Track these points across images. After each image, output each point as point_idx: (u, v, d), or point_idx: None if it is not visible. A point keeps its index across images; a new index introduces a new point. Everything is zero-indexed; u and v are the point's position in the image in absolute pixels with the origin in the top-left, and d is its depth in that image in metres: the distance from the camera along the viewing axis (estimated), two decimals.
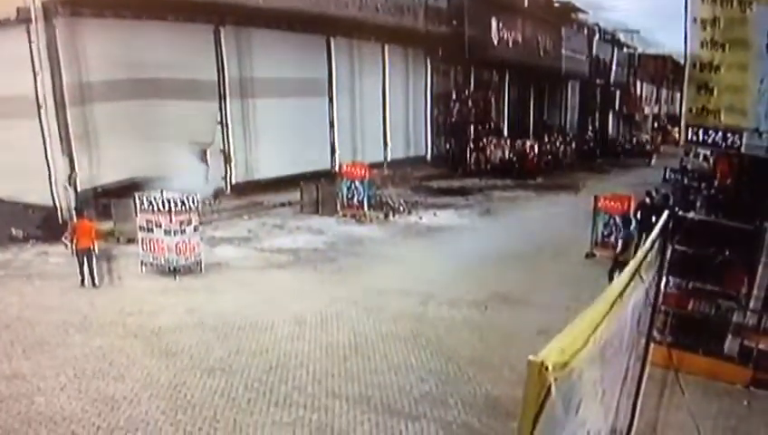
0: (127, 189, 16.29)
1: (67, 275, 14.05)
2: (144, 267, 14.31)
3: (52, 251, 15.96)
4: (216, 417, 8.36)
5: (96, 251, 13.70)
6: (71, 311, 11.83)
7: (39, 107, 17.11)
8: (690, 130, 12.13)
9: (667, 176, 28.47)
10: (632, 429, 5.73)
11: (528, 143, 35.03)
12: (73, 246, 13.73)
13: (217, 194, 21.02)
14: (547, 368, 2.45)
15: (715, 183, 15.42)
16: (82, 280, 13.41)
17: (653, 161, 29.88)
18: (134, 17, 19.04)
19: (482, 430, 8.22)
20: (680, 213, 11.47)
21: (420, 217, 21.59)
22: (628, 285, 3.94)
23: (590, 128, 48.20)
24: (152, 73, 19.05)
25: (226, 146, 22.53)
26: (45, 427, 8.03)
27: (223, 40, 22.12)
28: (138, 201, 14.10)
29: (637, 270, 4.22)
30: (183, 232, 13.93)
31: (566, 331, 2.85)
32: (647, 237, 5.27)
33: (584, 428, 3.47)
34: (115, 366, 9.72)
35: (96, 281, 13.53)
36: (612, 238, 16.22)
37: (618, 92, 51.15)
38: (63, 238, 16.12)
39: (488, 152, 34.10)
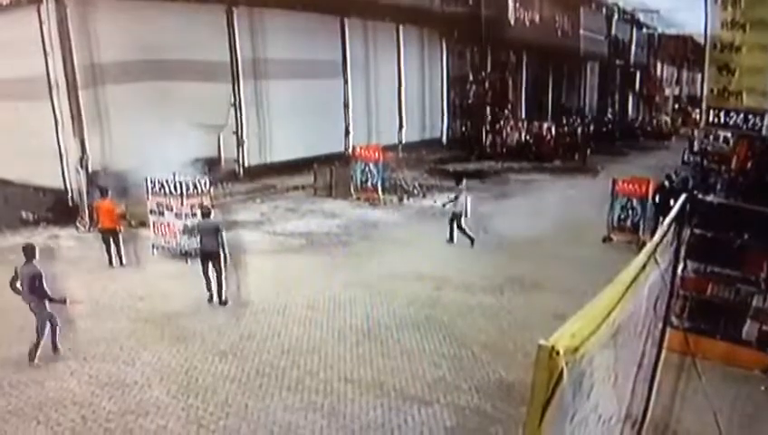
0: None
1: (78, 258, 14.16)
2: (155, 251, 14.33)
3: (64, 234, 16.05)
4: (228, 401, 8.35)
5: (122, 232, 13.80)
6: (81, 295, 11.82)
7: (50, 89, 17.06)
8: (711, 111, 11.92)
9: (686, 158, 27.99)
10: (647, 414, 5.63)
11: (545, 125, 34.62)
12: (98, 228, 13.82)
13: (228, 178, 20.96)
14: (558, 353, 2.39)
15: (735, 166, 15.15)
16: (110, 260, 13.64)
17: (695, 145, 28.84)
18: None
19: (495, 416, 8.12)
20: (699, 196, 11.25)
21: (435, 201, 21.40)
22: (643, 269, 3.81)
23: (609, 110, 47.58)
24: (164, 55, 18.97)
25: (239, 128, 22.43)
26: (56, 411, 8.05)
27: (236, 20, 21.95)
28: (149, 184, 14.07)
29: (652, 253, 4.07)
30: (194, 215, 13.87)
31: (578, 315, 2.78)
32: (664, 221, 5.10)
33: (596, 412, 3.42)
34: (126, 350, 9.73)
35: (124, 261, 13.72)
36: (629, 222, 16.01)
37: (637, 73, 50.41)
38: (77, 222, 16.17)
39: (505, 135, 33.77)
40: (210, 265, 11.54)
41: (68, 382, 8.78)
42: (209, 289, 11.65)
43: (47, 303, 9.27)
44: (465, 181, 16.63)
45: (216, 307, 11.50)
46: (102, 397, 8.40)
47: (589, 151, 32.67)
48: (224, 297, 11.63)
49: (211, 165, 16.76)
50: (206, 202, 13.50)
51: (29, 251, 9.32)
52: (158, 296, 11.93)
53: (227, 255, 11.53)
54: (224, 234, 11.64)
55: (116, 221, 13.67)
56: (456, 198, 16.02)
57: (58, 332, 9.55)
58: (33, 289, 9.12)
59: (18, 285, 9.19)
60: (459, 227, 15.87)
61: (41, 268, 9.24)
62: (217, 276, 11.59)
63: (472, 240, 15.70)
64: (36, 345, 9.29)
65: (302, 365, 9.39)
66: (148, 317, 10.93)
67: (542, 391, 2.45)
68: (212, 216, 12.04)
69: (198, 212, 12.48)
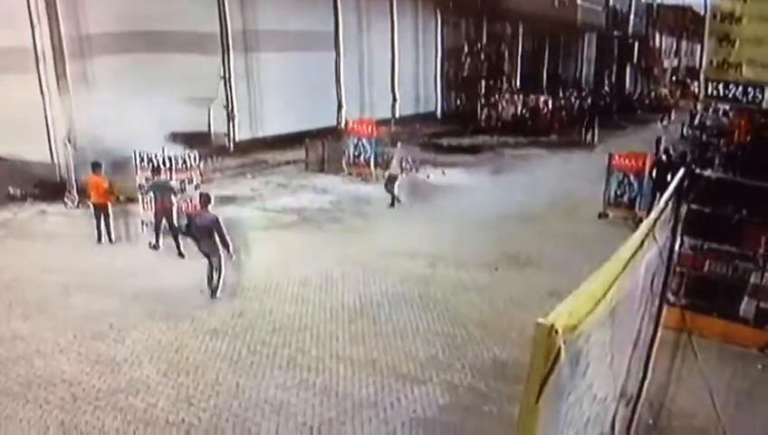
0: None
1: (67, 234, 14.02)
2: (144, 227, 14.08)
3: (51, 210, 15.80)
4: (219, 380, 8.26)
5: (110, 208, 13.59)
6: (71, 272, 11.71)
7: (37, 60, 16.61)
8: (710, 84, 11.76)
9: (684, 132, 27.83)
10: (642, 392, 5.56)
11: (541, 99, 34.26)
12: (90, 203, 13.66)
13: (218, 152, 20.69)
14: (557, 331, 2.36)
15: (734, 140, 15.03)
16: (99, 237, 13.44)
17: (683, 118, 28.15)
18: None
19: (489, 394, 8.07)
20: (697, 171, 11.11)
21: (428, 176, 21.24)
22: (641, 245, 3.70)
23: (607, 82, 47.17)
24: (153, 26, 18.56)
25: (229, 102, 22.01)
26: (45, 389, 7.94)
27: None
28: (138, 158, 13.81)
29: (650, 230, 3.94)
30: (183, 191, 13.71)
31: (575, 293, 2.72)
32: (661, 196, 4.96)
33: (591, 391, 3.38)
34: (116, 328, 9.58)
35: (113, 237, 13.56)
36: (626, 198, 15.89)
37: (636, 45, 49.88)
38: (65, 197, 15.94)
39: (500, 108, 33.43)
40: (164, 219, 12.90)
41: (57, 360, 8.66)
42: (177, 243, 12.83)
43: (220, 246, 10.55)
44: (399, 143, 18.68)
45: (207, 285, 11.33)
46: (92, 375, 8.29)
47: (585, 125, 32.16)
48: (181, 250, 12.61)
49: (192, 140, 16.37)
50: (198, 176, 13.43)
51: (205, 199, 10.79)
52: (148, 273, 11.79)
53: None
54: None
55: (106, 196, 13.48)
56: (391, 158, 17.72)
57: (222, 277, 10.79)
58: (209, 233, 10.51)
59: (193, 230, 10.86)
60: (391, 188, 17.21)
61: (216, 215, 10.72)
62: (171, 230, 12.88)
63: (393, 202, 17.16)
64: (216, 284, 10.73)
65: (294, 343, 9.30)
66: (138, 294, 10.77)
67: (539, 370, 2.41)
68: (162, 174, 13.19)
69: (150, 173, 13.32)
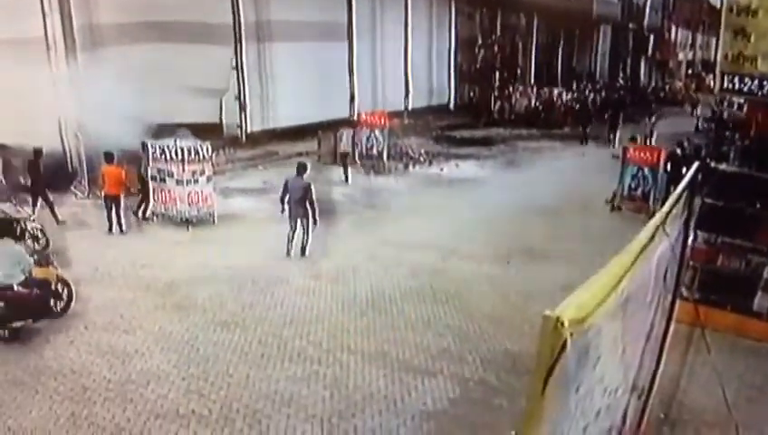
0: None
1: (77, 225, 14.09)
2: (155, 218, 14.19)
3: (62, 201, 15.72)
4: (229, 371, 8.28)
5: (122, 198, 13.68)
6: (81, 262, 11.73)
7: (48, 50, 16.54)
8: (725, 77, 11.66)
9: (699, 126, 27.54)
10: (654, 386, 5.53)
11: (555, 91, 34.00)
12: (102, 193, 13.76)
13: (230, 144, 20.66)
14: (563, 323, 2.35)
15: (749, 133, 14.87)
16: (110, 227, 13.51)
17: (698, 111, 27.27)
18: None
19: (500, 387, 8.04)
20: (711, 164, 11.02)
21: (441, 169, 21.19)
22: (652, 238, 3.66)
23: (621, 75, 46.76)
24: (166, 16, 18.52)
25: (241, 93, 21.88)
26: (55, 380, 7.99)
27: None
28: (150, 149, 13.84)
29: (661, 224, 3.90)
30: (196, 182, 13.74)
31: (585, 286, 2.71)
32: (675, 190, 4.91)
33: (602, 384, 3.38)
34: (126, 319, 9.64)
35: (124, 228, 13.63)
36: (640, 191, 15.75)
37: (651, 38, 49.39)
38: (73, 187, 15.99)
39: (513, 101, 33.21)
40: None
41: (67, 351, 8.70)
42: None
43: (309, 210, 11.96)
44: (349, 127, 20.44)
45: (218, 277, 11.29)
46: (102, 366, 8.33)
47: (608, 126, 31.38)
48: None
49: (204, 131, 16.31)
50: (209, 167, 13.39)
51: (302, 168, 12.09)
52: (159, 264, 11.83)
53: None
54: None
55: (121, 187, 13.54)
56: (341, 137, 19.85)
57: (310, 238, 12.29)
58: (303, 198, 11.87)
59: (287, 196, 12.05)
60: (345, 164, 18.95)
61: (309, 182, 12.04)
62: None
63: (346, 178, 18.82)
64: (304, 244, 12.20)
65: (305, 335, 9.30)
66: (149, 285, 10.84)
67: (545, 363, 2.42)
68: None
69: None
